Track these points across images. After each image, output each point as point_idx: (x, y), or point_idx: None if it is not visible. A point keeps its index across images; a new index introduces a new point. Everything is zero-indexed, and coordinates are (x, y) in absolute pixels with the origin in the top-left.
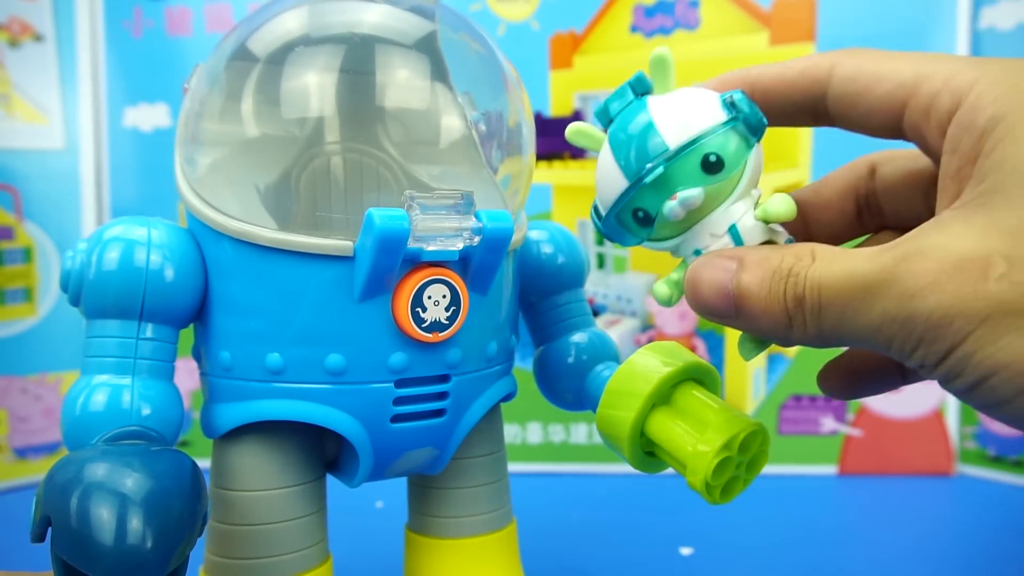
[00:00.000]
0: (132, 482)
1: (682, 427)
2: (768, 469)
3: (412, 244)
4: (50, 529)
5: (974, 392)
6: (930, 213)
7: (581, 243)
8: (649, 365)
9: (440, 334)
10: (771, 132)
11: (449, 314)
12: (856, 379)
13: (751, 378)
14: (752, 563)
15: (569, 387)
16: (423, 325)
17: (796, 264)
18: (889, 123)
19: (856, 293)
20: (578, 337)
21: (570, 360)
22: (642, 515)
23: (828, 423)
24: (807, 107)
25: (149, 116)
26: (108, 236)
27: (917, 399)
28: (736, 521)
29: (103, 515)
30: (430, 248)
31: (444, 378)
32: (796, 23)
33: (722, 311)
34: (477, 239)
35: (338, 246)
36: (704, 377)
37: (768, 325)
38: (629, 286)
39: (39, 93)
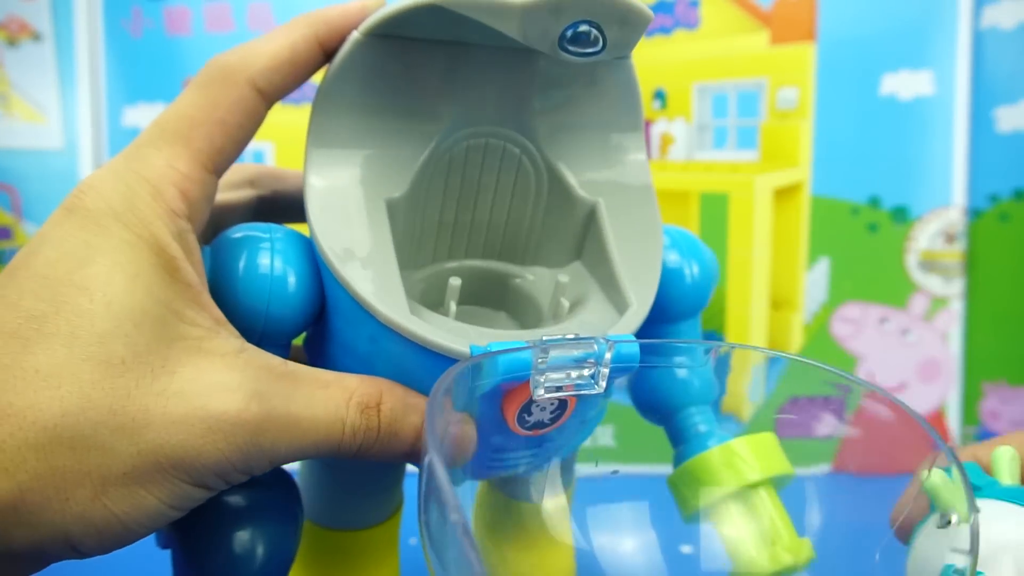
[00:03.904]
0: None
1: (749, 531)
2: None
3: (532, 376)
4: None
5: None
6: None
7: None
8: (735, 463)
9: (540, 430)
10: (770, 131)
11: (553, 415)
12: None
13: (749, 378)
14: None
15: (654, 417)
16: (526, 425)
17: None
18: None
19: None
20: (681, 372)
21: (664, 394)
22: (642, 515)
23: (827, 423)
24: None
25: (148, 116)
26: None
27: (918, 399)
28: None
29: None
30: (548, 383)
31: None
32: (796, 22)
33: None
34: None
35: (458, 352)
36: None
37: None
38: None
39: (38, 92)
